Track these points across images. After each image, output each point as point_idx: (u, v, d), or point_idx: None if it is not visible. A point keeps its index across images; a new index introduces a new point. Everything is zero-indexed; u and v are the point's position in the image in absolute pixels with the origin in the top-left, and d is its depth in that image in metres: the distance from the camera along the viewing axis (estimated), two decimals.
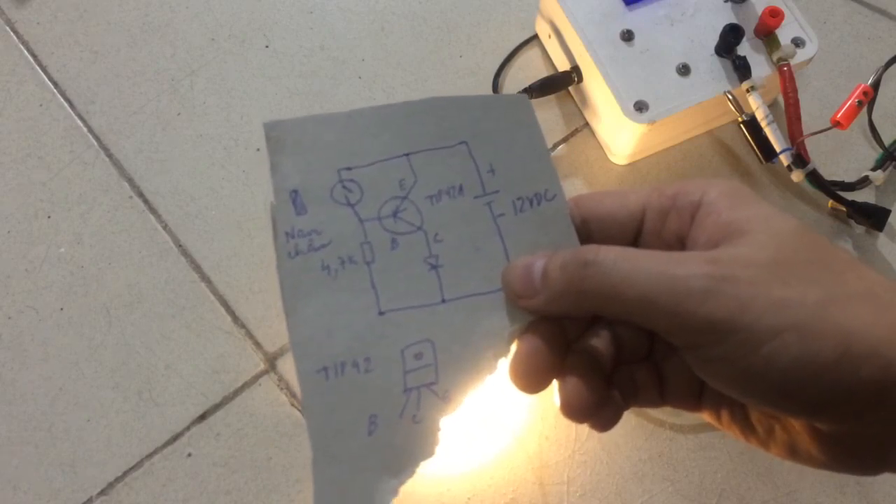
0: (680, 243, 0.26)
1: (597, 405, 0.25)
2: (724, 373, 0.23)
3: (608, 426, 0.26)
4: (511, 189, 0.28)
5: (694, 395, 0.27)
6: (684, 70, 0.45)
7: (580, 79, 0.48)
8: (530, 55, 0.53)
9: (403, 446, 0.25)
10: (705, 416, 0.28)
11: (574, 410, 0.25)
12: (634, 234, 0.27)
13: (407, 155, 0.29)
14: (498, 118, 0.29)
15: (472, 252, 0.28)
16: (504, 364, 0.26)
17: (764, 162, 0.45)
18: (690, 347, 0.23)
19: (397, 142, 0.29)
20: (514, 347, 0.26)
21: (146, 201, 0.48)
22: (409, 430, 0.25)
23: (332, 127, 0.28)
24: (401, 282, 0.27)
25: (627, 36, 0.45)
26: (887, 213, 0.47)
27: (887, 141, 0.50)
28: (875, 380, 0.21)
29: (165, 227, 0.48)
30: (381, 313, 0.27)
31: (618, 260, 0.23)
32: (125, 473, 0.43)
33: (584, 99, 0.49)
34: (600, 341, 0.27)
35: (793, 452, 0.25)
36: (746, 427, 0.26)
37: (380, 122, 0.29)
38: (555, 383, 0.26)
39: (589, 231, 0.28)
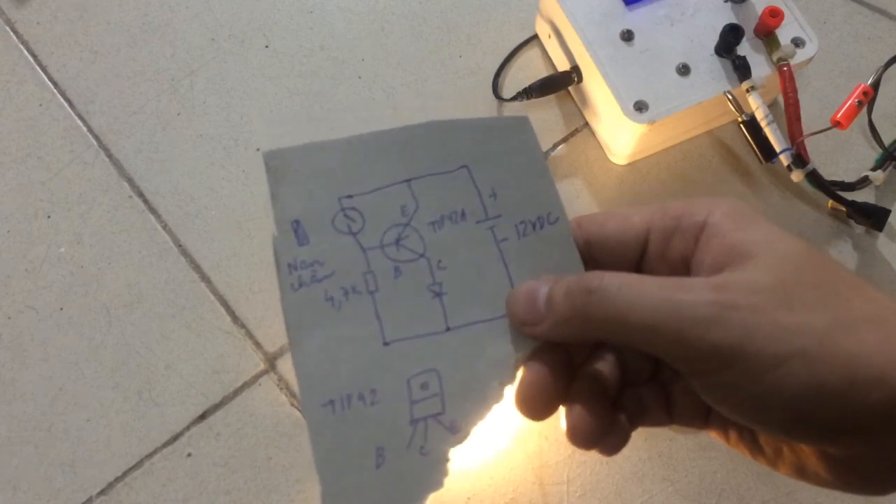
0: (685, 265, 0.26)
1: (603, 432, 0.25)
2: (730, 400, 0.23)
3: (615, 451, 0.26)
4: (513, 213, 0.28)
5: (701, 415, 0.27)
6: (684, 70, 0.45)
7: (580, 79, 0.48)
8: (530, 55, 0.53)
9: (411, 479, 0.25)
10: (713, 435, 0.27)
11: (580, 439, 0.25)
12: (638, 255, 0.27)
13: (408, 181, 0.28)
14: (498, 141, 0.29)
15: (475, 278, 0.27)
16: (510, 391, 0.26)
17: (764, 162, 0.45)
18: (696, 374, 0.23)
19: (398, 168, 0.28)
20: (519, 374, 0.26)
21: (146, 201, 0.48)
22: (417, 462, 0.25)
23: (332, 154, 0.28)
24: (405, 311, 0.27)
25: (627, 36, 0.45)
26: (887, 213, 0.47)
27: (887, 141, 0.50)
28: (883, 405, 0.21)
29: (165, 227, 0.48)
30: (385, 343, 0.26)
31: (622, 286, 0.23)
32: (125, 473, 0.43)
33: (584, 99, 0.49)
34: (606, 365, 0.26)
35: (801, 473, 0.25)
36: (754, 447, 0.26)
37: (380, 148, 0.28)
38: (561, 409, 0.26)
39: (592, 253, 0.28)
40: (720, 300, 0.22)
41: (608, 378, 0.26)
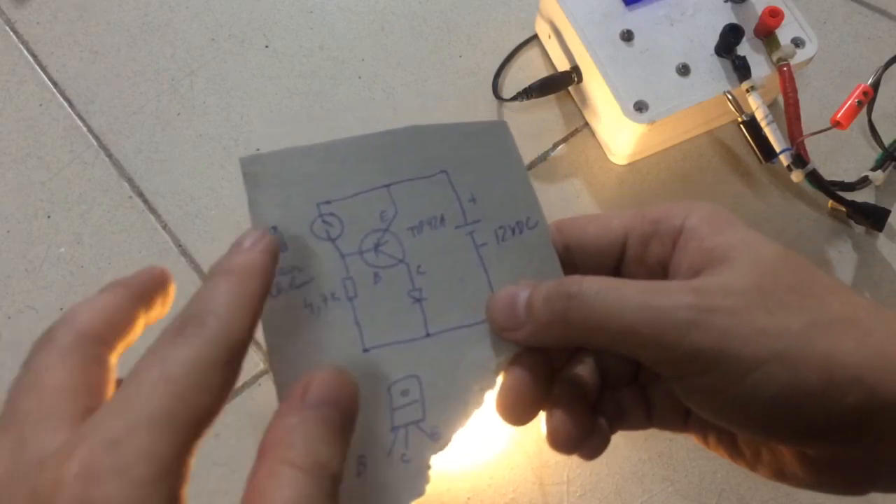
0: (663, 269, 0.26)
1: (583, 436, 0.25)
2: (709, 402, 0.23)
3: (595, 455, 0.26)
4: (493, 218, 0.28)
5: (681, 418, 0.27)
6: (684, 70, 0.45)
7: (580, 79, 0.48)
8: (530, 55, 0.53)
9: (392, 486, 0.25)
10: (693, 438, 0.28)
11: (561, 443, 0.25)
12: (617, 259, 0.27)
13: (387, 186, 0.28)
14: (478, 145, 0.29)
15: (455, 283, 0.27)
16: (491, 397, 0.26)
17: (764, 162, 0.45)
18: (676, 378, 0.23)
19: (377, 173, 0.28)
20: (500, 380, 0.26)
21: (146, 201, 0.49)
22: (398, 469, 0.25)
23: (311, 159, 0.28)
24: (384, 317, 0.27)
25: (627, 36, 0.45)
26: (887, 213, 0.47)
27: (887, 141, 0.50)
28: (859, 406, 0.21)
29: (165, 227, 0.48)
30: (365, 350, 0.26)
31: (601, 290, 0.23)
32: None
33: (584, 99, 0.49)
34: (585, 369, 0.27)
35: (780, 474, 0.25)
36: (733, 449, 0.26)
37: (359, 153, 0.28)
38: (542, 414, 0.26)
39: (571, 257, 0.28)
40: (698, 303, 0.22)
41: (588, 382, 0.26)
